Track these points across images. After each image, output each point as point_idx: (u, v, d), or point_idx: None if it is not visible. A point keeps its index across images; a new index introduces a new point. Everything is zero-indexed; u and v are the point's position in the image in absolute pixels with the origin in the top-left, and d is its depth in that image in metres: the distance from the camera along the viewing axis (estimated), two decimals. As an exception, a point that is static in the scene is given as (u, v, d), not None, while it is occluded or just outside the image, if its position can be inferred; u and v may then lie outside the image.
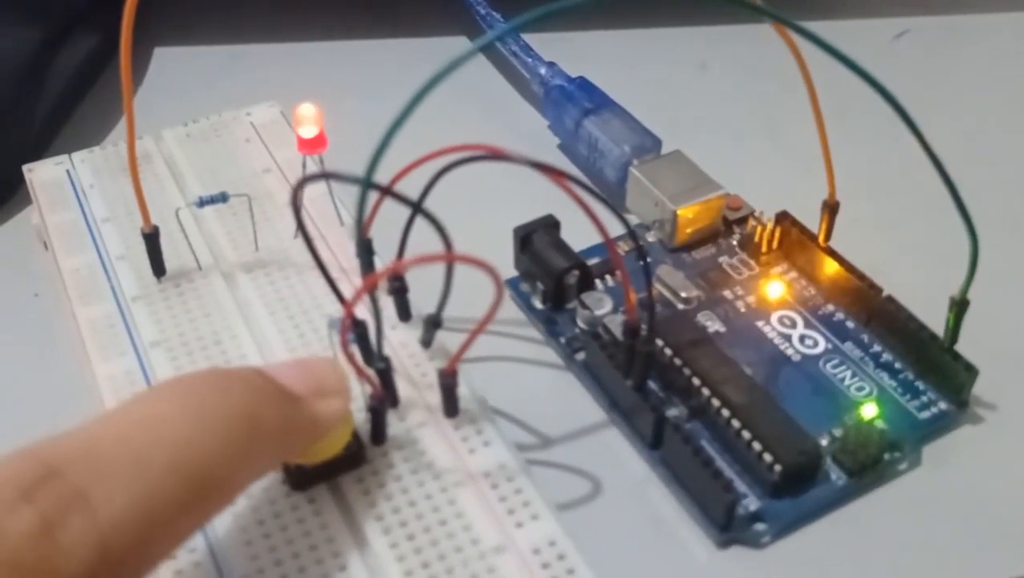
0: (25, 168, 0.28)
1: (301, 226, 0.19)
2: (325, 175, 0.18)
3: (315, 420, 0.18)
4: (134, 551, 0.14)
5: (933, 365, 0.23)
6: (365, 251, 0.22)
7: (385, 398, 0.20)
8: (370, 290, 0.19)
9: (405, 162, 0.20)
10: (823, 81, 0.22)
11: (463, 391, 0.22)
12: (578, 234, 0.26)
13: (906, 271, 0.26)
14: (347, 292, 0.20)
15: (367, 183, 0.17)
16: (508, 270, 0.27)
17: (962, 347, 0.23)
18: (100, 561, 0.14)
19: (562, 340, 0.25)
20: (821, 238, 0.25)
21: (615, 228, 0.28)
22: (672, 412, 0.23)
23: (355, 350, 0.20)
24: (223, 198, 0.24)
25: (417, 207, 0.19)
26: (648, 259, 0.27)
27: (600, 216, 0.20)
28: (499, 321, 0.26)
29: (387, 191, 0.18)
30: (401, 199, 0.19)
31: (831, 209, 0.25)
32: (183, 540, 0.16)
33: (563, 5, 0.17)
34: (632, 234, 0.20)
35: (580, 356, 0.24)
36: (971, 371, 0.23)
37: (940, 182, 0.20)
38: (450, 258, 0.19)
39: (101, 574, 0.14)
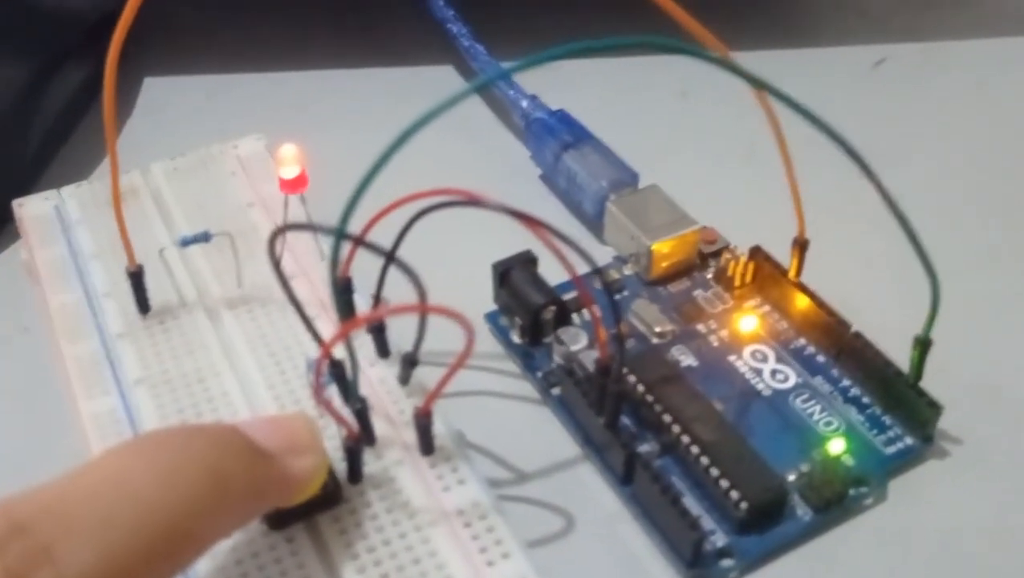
0: (15, 203, 0.29)
1: (280, 275, 0.20)
2: (300, 226, 0.19)
3: (287, 478, 0.19)
4: None
5: (899, 401, 0.24)
6: (342, 294, 0.23)
7: (361, 438, 0.21)
8: (346, 336, 0.20)
9: (387, 193, 0.20)
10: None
11: (439, 429, 0.22)
12: (557, 268, 0.26)
13: (878, 305, 0.27)
14: (328, 329, 0.20)
15: (340, 233, 0.18)
16: (488, 303, 0.27)
17: (929, 382, 0.24)
18: None
19: (539, 375, 0.25)
20: (792, 273, 0.26)
21: (595, 260, 0.29)
22: (644, 447, 0.23)
23: (332, 390, 0.21)
24: (206, 237, 0.25)
25: (390, 257, 0.19)
26: (624, 292, 0.27)
27: (578, 250, 0.20)
28: (479, 355, 0.26)
29: (360, 241, 0.19)
30: (374, 249, 0.19)
31: (801, 246, 0.25)
32: None
33: (551, 54, 0.18)
34: (599, 274, 0.21)
35: (556, 391, 0.25)
36: (935, 408, 0.23)
37: (909, 215, 0.21)
38: (423, 309, 0.19)
39: None
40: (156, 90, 0.37)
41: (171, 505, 0.16)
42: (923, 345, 0.23)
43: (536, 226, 0.20)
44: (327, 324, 0.24)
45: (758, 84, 0.19)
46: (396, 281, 0.21)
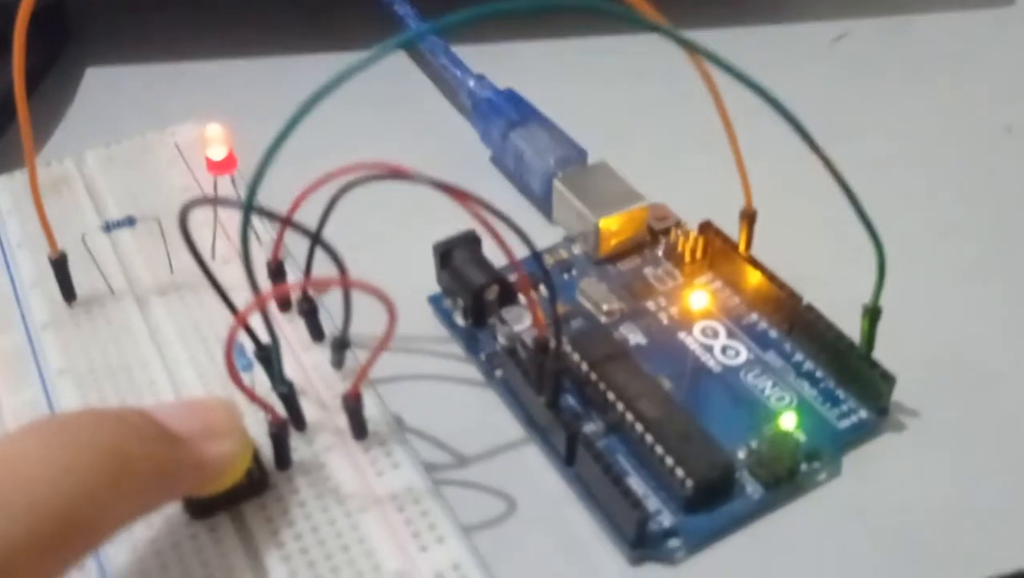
0: (-56, 196, 0.28)
1: (194, 252, 0.19)
2: (203, 201, 0.18)
3: (199, 462, 0.18)
4: None
5: (853, 373, 0.23)
6: (275, 277, 0.22)
7: (286, 423, 0.20)
8: (263, 309, 0.19)
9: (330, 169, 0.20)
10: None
11: (373, 413, 0.21)
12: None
13: (832, 277, 0.26)
14: (259, 314, 0.20)
15: (248, 206, 0.17)
16: (432, 286, 0.26)
17: (884, 353, 0.23)
18: None
19: (482, 356, 0.25)
20: (741, 247, 0.25)
21: (544, 240, 0.28)
22: (589, 427, 0.23)
23: (249, 375, 0.20)
24: (130, 222, 0.24)
25: (315, 238, 0.19)
26: (573, 272, 0.27)
27: (526, 227, 0.20)
28: (422, 338, 0.26)
29: (287, 221, 0.18)
30: (300, 229, 0.19)
31: (749, 218, 0.24)
32: None
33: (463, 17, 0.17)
34: (536, 257, 0.20)
35: (499, 373, 0.24)
36: (888, 379, 0.22)
37: (866, 188, 0.20)
38: (342, 284, 0.18)
39: None
40: (98, 80, 0.36)
41: (67, 489, 0.15)
42: (872, 315, 0.22)
43: (465, 199, 0.19)
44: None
45: (693, 48, 0.18)
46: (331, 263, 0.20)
